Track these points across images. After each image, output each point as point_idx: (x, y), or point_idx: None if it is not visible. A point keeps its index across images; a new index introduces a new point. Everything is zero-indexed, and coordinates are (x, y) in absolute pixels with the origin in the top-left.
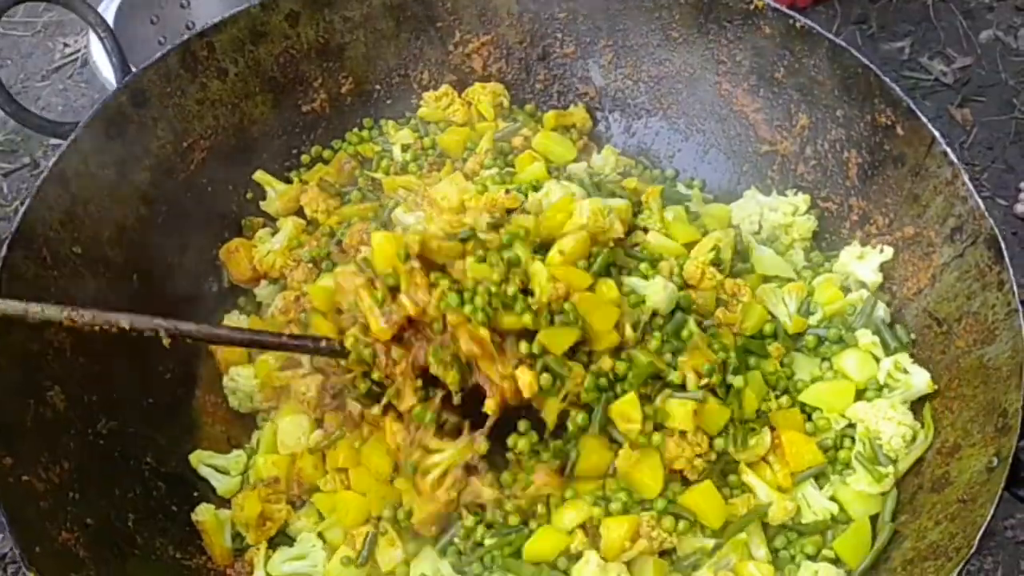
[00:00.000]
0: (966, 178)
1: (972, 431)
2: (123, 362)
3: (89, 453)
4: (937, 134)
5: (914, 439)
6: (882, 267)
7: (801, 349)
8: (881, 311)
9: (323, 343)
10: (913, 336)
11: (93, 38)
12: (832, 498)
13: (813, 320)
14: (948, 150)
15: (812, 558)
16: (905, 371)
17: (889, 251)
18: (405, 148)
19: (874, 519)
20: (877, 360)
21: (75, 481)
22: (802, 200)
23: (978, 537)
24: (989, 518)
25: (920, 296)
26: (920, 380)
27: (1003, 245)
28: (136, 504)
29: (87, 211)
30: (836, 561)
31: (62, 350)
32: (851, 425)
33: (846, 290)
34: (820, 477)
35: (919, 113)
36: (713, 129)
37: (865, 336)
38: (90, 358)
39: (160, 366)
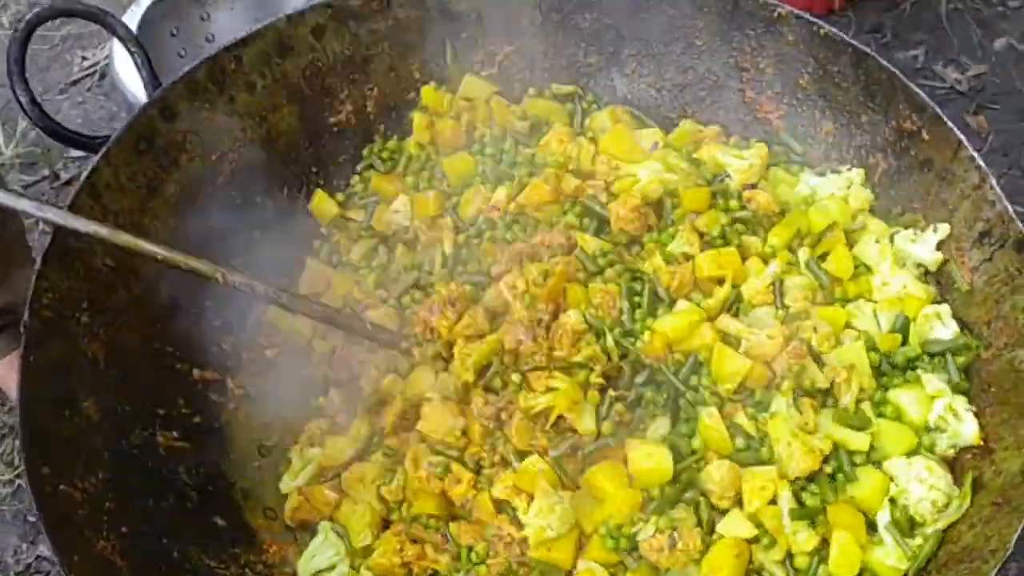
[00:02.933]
0: (993, 182)
1: (1004, 434)
2: (154, 373)
3: (122, 463)
4: (963, 138)
5: (947, 506)
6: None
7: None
8: (948, 332)
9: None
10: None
11: (116, 50)
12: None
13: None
14: (975, 154)
15: None
16: (957, 416)
17: (945, 227)
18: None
19: None
20: (931, 399)
21: (110, 491)
22: (856, 174)
23: (1013, 539)
24: None
25: (948, 301)
26: (970, 431)
27: None
28: (170, 514)
29: (118, 223)
30: None
31: (95, 360)
32: None
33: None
34: None
35: (945, 118)
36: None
37: (929, 369)
38: (122, 368)
39: (191, 376)
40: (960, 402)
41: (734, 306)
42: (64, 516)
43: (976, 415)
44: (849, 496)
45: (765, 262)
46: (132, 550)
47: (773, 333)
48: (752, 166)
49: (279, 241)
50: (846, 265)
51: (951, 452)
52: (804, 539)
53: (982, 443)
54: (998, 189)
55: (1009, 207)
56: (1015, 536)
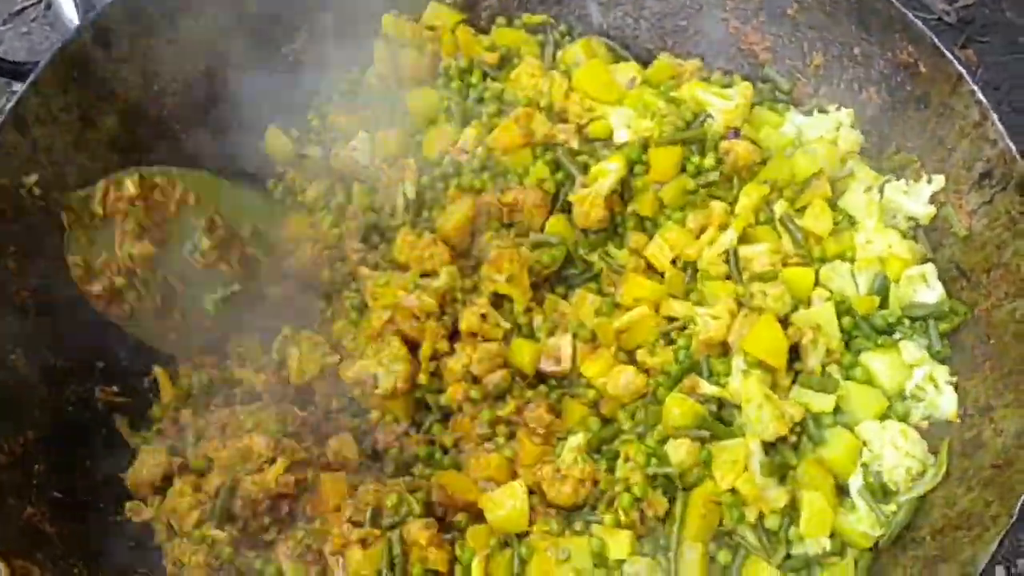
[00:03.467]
0: (995, 118)
1: (1005, 390)
2: (91, 323)
3: (56, 422)
4: (963, 72)
5: (922, 474)
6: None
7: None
8: (933, 295)
9: None
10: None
11: None
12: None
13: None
14: (975, 89)
15: None
16: (937, 387)
17: (940, 179)
18: None
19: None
20: (910, 367)
21: (40, 452)
22: (846, 115)
23: (1018, 505)
24: None
25: (944, 247)
26: (948, 405)
27: None
28: (103, 472)
29: (50, 159)
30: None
31: (24, 310)
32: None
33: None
34: None
35: (944, 50)
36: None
37: (910, 335)
38: (54, 318)
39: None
40: (941, 372)
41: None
42: None
43: (955, 387)
44: (819, 456)
45: (724, 229)
46: (63, 516)
47: (719, 312)
48: (737, 107)
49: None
50: (825, 221)
51: (924, 424)
52: (774, 496)
53: (959, 420)
54: (1000, 126)
55: (1012, 146)
56: (1020, 501)
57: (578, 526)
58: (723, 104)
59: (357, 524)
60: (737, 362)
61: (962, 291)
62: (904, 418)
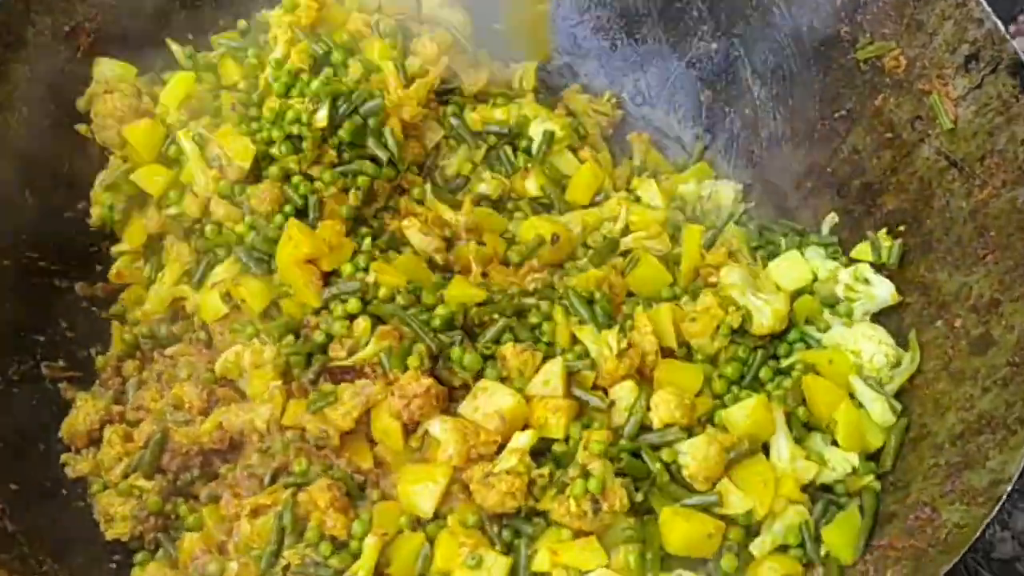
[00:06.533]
0: None
1: (1013, 284)
2: (29, 292)
3: (2, 403)
4: None
5: (899, 362)
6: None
7: None
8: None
9: None
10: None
11: None
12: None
13: None
14: None
15: None
16: (867, 281)
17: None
18: None
19: None
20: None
21: None
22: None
23: None
24: None
25: (929, 139)
26: (883, 291)
27: None
28: (59, 453)
29: None
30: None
31: None
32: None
33: None
34: None
35: None
36: None
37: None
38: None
39: (73, 293)
40: (864, 267)
41: None
42: None
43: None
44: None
45: None
46: (23, 509)
47: None
48: None
49: None
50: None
51: (867, 318)
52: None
53: (900, 299)
54: (985, 5)
55: (1000, 24)
56: None
57: (506, 534)
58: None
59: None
60: None
61: (953, 182)
62: (849, 315)
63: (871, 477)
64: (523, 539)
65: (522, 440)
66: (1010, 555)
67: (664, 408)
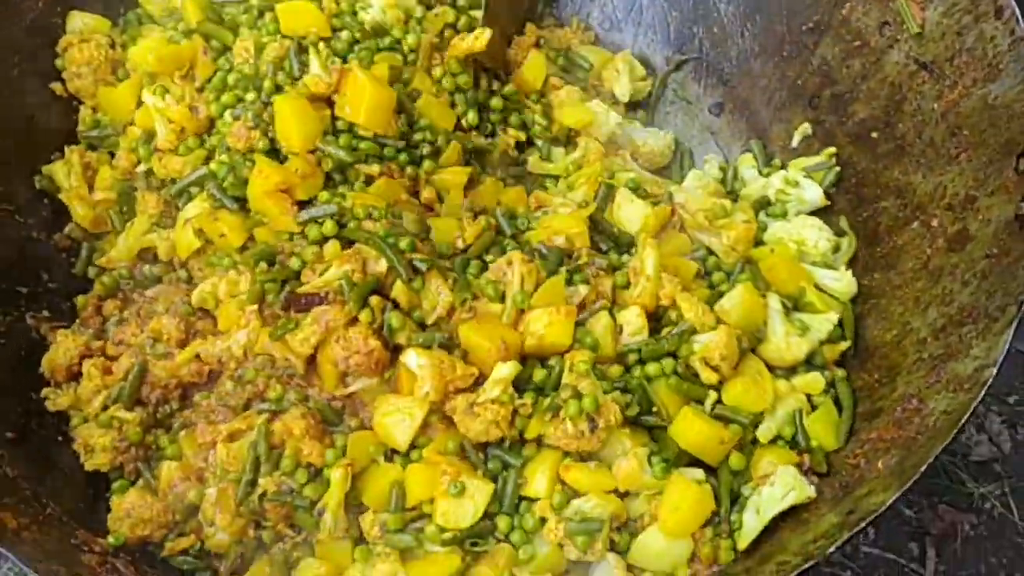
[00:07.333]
0: None
1: (988, 179)
2: (6, 243)
3: None
4: None
5: (838, 247)
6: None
7: None
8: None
9: None
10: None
11: None
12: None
13: None
14: None
15: None
16: (797, 184)
17: None
18: None
19: None
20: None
21: None
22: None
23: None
24: None
25: (898, 44)
26: (813, 194)
27: None
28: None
29: None
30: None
31: None
32: None
33: None
34: None
35: None
36: None
37: None
38: None
39: (51, 242)
40: (794, 171)
41: None
42: None
43: (947, 165)
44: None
45: None
46: (22, 456)
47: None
48: None
49: None
50: None
51: (802, 217)
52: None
53: (828, 203)
54: None
55: None
56: None
57: (491, 464)
58: None
59: (232, 409)
60: None
61: (923, 84)
62: (783, 216)
63: (847, 343)
64: (512, 470)
65: (504, 371)
66: (987, 456)
67: (687, 305)
